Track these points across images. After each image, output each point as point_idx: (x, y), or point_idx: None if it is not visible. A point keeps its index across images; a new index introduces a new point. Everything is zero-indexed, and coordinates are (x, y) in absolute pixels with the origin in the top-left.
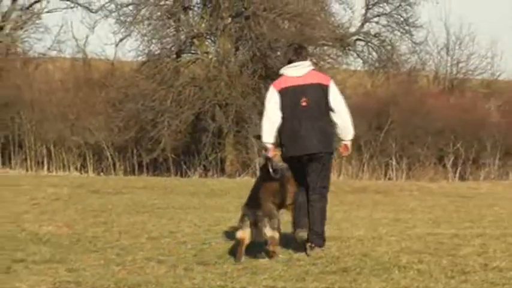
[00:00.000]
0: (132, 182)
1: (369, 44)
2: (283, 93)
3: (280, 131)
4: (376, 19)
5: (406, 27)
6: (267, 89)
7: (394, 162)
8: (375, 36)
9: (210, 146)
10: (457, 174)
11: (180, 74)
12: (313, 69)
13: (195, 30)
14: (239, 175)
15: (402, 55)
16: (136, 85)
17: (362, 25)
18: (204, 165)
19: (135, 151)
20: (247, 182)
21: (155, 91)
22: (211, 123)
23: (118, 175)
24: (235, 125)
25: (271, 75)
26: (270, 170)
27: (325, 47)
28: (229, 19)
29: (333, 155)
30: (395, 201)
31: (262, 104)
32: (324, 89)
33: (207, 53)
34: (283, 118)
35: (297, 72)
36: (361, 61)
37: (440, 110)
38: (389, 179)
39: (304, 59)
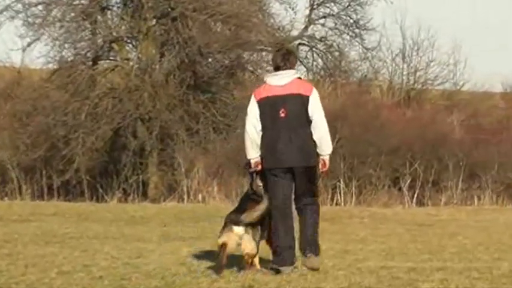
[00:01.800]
0: (40, 208)
1: (314, 49)
2: (262, 103)
3: (260, 142)
4: (321, 21)
5: (356, 31)
6: (196, 101)
7: (342, 185)
8: (320, 40)
9: (131, 167)
10: (415, 199)
11: (97, 84)
12: (298, 78)
13: (114, 34)
14: (164, 200)
15: (352, 62)
16: (46, 96)
17: (306, 28)
18: (123, 189)
19: (44, 172)
20: (173, 208)
21: (68, 103)
22: (132, 140)
23: (24, 200)
24: (160, 142)
25: (201, 85)
26: (251, 187)
27: (264, 53)
28: (154, 21)
29: (317, 168)
30: (344, 230)
31: (191, 118)
32: (304, 100)
33: (127, 59)
34: (262, 129)
35: (280, 81)
36: (304, 69)
37: (395, 124)
38: (336, 204)
39: (292, 66)
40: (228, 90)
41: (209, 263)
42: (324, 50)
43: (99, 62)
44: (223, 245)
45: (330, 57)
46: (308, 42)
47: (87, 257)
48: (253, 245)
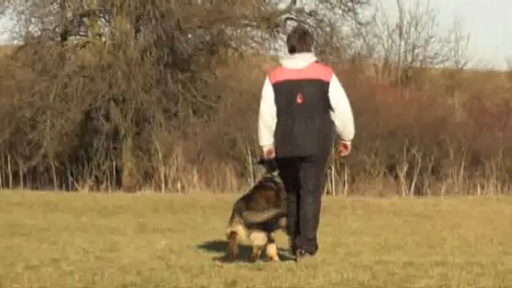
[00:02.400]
0: (5, 197)
1: (303, 24)
2: (278, 87)
3: (275, 129)
4: None
5: (349, 4)
6: (174, 81)
7: (333, 173)
8: (309, 14)
9: (104, 152)
10: (412, 188)
11: (66, 62)
12: (315, 62)
13: (85, 7)
14: (139, 188)
15: (344, 38)
16: (12, 75)
17: (294, 1)
18: (95, 176)
19: (9, 158)
20: (149, 197)
21: (35, 83)
22: (104, 123)
23: None
24: (135, 126)
25: (179, 63)
26: (263, 169)
27: (248, 28)
28: None
29: (328, 158)
30: (335, 222)
31: (169, 99)
32: (323, 85)
33: (99, 35)
34: (277, 115)
35: (296, 64)
36: None
37: (392, 106)
38: (327, 193)
39: (309, 48)
40: (209, 69)
41: (189, 257)
42: (314, 25)
43: (68, 38)
44: (233, 234)
45: (321, 33)
46: (296, 16)
47: (56, 251)
48: (262, 235)
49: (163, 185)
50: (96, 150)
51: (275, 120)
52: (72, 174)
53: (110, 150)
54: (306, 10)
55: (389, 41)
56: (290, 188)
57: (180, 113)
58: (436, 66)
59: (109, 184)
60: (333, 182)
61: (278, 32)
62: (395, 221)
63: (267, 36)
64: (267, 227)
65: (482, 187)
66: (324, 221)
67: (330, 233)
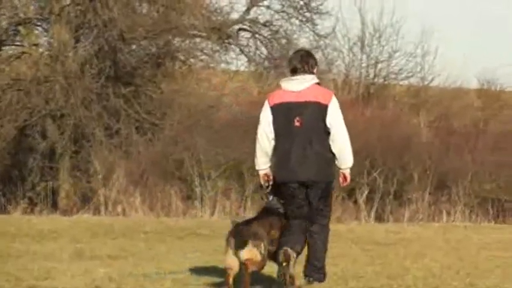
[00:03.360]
0: None
1: (257, 35)
2: (276, 109)
3: (272, 153)
4: (266, 2)
5: (307, 14)
6: (116, 95)
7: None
8: (264, 25)
9: (39, 172)
10: (373, 214)
11: None
12: (316, 84)
13: (21, 15)
14: (77, 211)
15: None
16: None
17: (248, 10)
18: (29, 198)
19: None
20: (88, 221)
21: None
22: (40, 141)
23: None
24: (73, 144)
25: (122, 76)
26: (263, 196)
27: (198, 39)
28: (68, 0)
29: (333, 183)
30: None
31: (111, 115)
32: (321, 109)
33: (36, 45)
34: (275, 138)
35: (296, 86)
36: (245, 58)
37: (352, 126)
38: None
39: (311, 70)
40: (155, 83)
41: (130, 286)
42: (269, 37)
43: (2, 48)
44: (229, 270)
45: (276, 45)
46: (250, 27)
47: None
48: (251, 249)
49: (103, 208)
50: (30, 170)
51: (272, 144)
52: (4, 195)
53: (45, 170)
54: (261, 20)
55: (350, 55)
56: (292, 214)
57: (122, 130)
58: (401, 83)
59: (44, 206)
60: None
61: (230, 43)
62: (354, 249)
63: (217, 48)
64: (263, 239)
65: (449, 213)
66: None
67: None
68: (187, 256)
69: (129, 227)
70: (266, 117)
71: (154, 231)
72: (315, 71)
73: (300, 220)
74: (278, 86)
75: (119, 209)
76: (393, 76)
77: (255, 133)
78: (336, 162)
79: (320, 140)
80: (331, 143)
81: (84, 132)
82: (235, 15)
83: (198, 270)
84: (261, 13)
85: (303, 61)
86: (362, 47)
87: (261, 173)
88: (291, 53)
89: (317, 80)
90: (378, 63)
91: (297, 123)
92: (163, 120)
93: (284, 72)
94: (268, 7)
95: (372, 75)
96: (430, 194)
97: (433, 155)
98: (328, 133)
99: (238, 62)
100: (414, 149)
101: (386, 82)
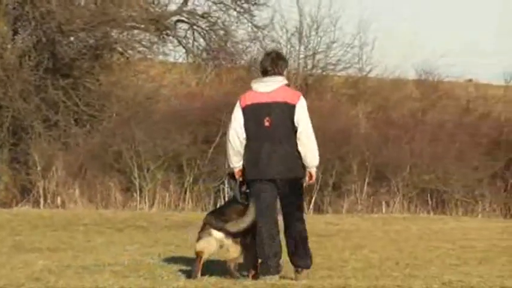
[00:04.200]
0: None
1: (195, 27)
2: (247, 110)
3: (244, 151)
4: None
5: (245, 5)
6: (55, 87)
7: (226, 188)
8: (202, 16)
9: None
10: (312, 205)
11: None
12: (285, 85)
13: None
14: (16, 204)
15: (239, 43)
16: None
17: (185, 1)
18: None
19: None
20: (27, 213)
21: None
22: None
23: None
24: (12, 136)
25: (61, 68)
26: (235, 192)
27: (135, 31)
28: None
29: (303, 179)
30: None
31: (49, 107)
32: (289, 109)
33: None
34: (246, 137)
35: (266, 87)
36: (183, 50)
37: None
38: None
39: (281, 71)
40: (93, 75)
41: (69, 278)
42: (207, 28)
43: None
44: (200, 252)
45: (214, 36)
46: (188, 18)
47: None
48: (236, 248)
49: (42, 200)
50: None
51: (244, 143)
52: None
53: None
54: (199, 12)
55: (288, 46)
56: (260, 211)
57: (60, 122)
58: (339, 74)
59: None
60: (226, 197)
61: (168, 35)
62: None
63: (155, 39)
64: (242, 239)
65: (388, 205)
66: None
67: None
68: (126, 248)
69: (68, 219)
70: (238, 119)
71: (93, 223)
72: (284, 72)
73: (264, 217)
74: (249, 87)
75: (58, 201)
76: (331, 67)
77: (194, 124)
78: (303, 160)
79: (289, 139)
80: (297, 141)
81: (22, 124)
82: (173, 7)
83: (137, 262)
84: (198, 4)
85: (273, 63)
86: (300, 38)
87: (236, 170)
88: (229, 44)
89: (286, 82)
90: (316, 54)
91: (266, 123)
92: (102, 112)
93: (222, 63)
94: None
95: (310, 66)
96: (368, 185)
97: (371, 146)
98: (295, 132)
99: (176, 54)
100: (353, 140)
101: (324, 73)
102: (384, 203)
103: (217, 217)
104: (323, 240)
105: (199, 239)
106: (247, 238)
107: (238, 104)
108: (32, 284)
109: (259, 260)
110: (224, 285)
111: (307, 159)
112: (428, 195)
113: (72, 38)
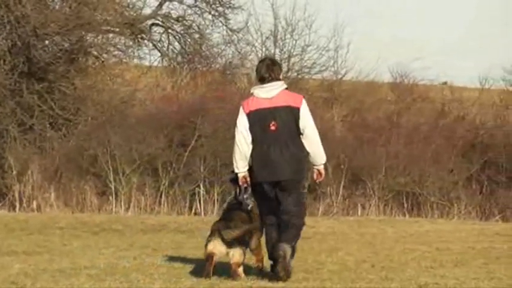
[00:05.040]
0: None
1: (170, 30)
2: (251, 116)
3: (251, 155)
4: None
5: (220, 9)
6: (30, 91)
7: (202, 191)
8: (177, 20)
9: None
10: None
11: None
12: (285, 89)
13: None
14: None
15: (214, 46)
16: None
17: (160, 5)
18: None
19: None
20: (2, 217)
21: None
22: None
23: None
24: None
25: (36, 72)
26: (240, 198)
27: (110, 35)
28: None
29: (304, 181)
30: (202, 244)
31: (24, 111)
32: (294, 112)
33: None
34: (252, 142)
35: (267, 93)
36: (158, 54)
37: None
38: (195, 213)
39: (277, 76)
40: (68, 79)
41: (45, 282)
42: (182, 32)
43: None
44: (210, 255)
45: (189, 40)
46: (163, 22)
47: None
48: (240, 252)
49: (17, 204)
50: None
51: (250, 147)
52: None
53: None
54: (173, 15)
55: (263, 49)
56: (265, 212)
57: (36, 126)
58: (314, 77)
59: None
60: (202, 202)
61: (143, 38)
62: None
63: (130, 43)
64: (244, 243)
65: (363, 207)
66: (192, 243)
67: (200, 256)
68: (102, 252)
69: (44, 223)
70: (243, 123)
71: (69, 226)
72: (281, 77)
73: (272, 216)
74: (250, 94)
75: (34, 204)
76: (306, 70)
77: (170, 128)
78: (310, 159)
79: (294, 141)
80: (304, 142)
81: None
82: (147, 11)
83: (113, 266)
84: (173, 8)
85: (269, 70)
86: (275, 41)
87: (240, 175)
88: (204, 47)
89: (285, 86)
90: (291, 57)
91: (272, 127)
92: (77, 116)
93: (197, 67)
94: (180, 2)
95: (285, 69)
96: (344, 188)
97: (347, 149)
98: (300, 134)
99: (151, 58)
100: (328, 143)
101: (299, 76)
102: (359, 205)
103: (225, 223)
104: (299, 243)
105: (207, 244)
106: (252, 240)
107: (241, 110)
108: (8, 287)
109: (270, 262)
110: (222, 286)
111: (316, 158)
112: (404, 197)
113: (47, 42)
